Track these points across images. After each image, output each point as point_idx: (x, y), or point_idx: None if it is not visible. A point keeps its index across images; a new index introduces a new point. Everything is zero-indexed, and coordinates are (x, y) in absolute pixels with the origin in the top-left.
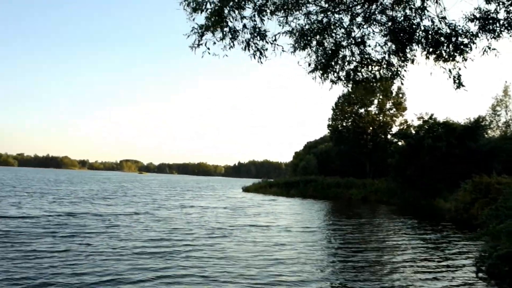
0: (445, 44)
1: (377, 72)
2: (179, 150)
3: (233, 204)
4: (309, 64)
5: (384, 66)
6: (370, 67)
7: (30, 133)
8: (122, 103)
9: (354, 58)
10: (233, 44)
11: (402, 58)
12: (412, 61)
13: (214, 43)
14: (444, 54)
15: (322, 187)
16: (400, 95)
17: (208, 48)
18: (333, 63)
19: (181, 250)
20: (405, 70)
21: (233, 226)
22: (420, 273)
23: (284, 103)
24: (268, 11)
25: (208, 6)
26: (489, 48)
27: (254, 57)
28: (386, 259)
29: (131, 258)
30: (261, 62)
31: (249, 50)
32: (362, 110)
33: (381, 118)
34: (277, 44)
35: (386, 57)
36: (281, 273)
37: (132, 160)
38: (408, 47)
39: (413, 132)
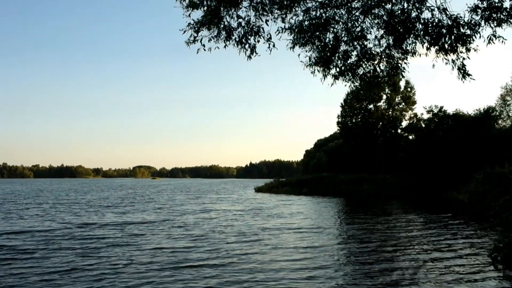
0: (447, 36)
1: (377, 66)
2: (190, 154)
3: (252, 206)
4: (310, 59)
5: (385, 59)
6: (370, 61)
7: (44, 144)
8: (132, 110)
9: (354, 53)
10: (228, 42)
11: (402, 51)
12: (413, 54)
13: (210, 40)
14: (446, 46)
15: (334, 184)
16: (409, 89)
17: (204, 45)
18: (334, 58)
19: (225, 259)
20: (405, 63)
21: (264, 229)
22: (438, 265)
23: (294, 100)
24: (266, 8)
25: (205, 3)
26: (495, 36)
27: (245, 54)
28: (404, 253)
29: (176, 270)
30: (250, 58)
31: (241, 46)
32: (371, 106)
33: (390, 113)
34: (271, 41)
35: (386, 51)
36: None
37: (144, 166)
38: (406, 40)
39: (423, 125)
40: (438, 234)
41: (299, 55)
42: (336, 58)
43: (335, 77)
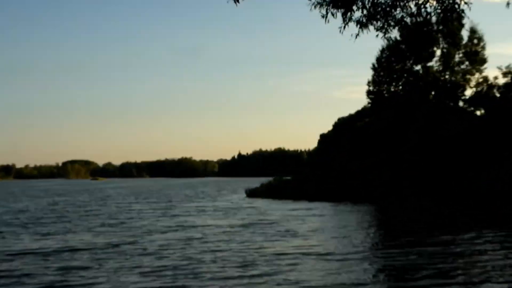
0: None
1: (423, 6)
2: (150, 142)
3: (249, 219)
4: None
5: None
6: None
7: None
8: (51, 74)
9: None
10: None
11: None
12: None
13: None
14: None
15: (365, 185)
16: (475, 41)
17: None
18: None
19: None
20: (466, 2)
21: (276, 256)
22: None
23: (302, 61)
24: None
25: None
26: None
27: None
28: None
29: None
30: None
31: None
32: (418, 67)
33: (447, 76)
34: None
35: None
36: None
37: (80, 161)
38: None
39: (498, 94)
40: None
41: None
42: None
43: (362, 25)
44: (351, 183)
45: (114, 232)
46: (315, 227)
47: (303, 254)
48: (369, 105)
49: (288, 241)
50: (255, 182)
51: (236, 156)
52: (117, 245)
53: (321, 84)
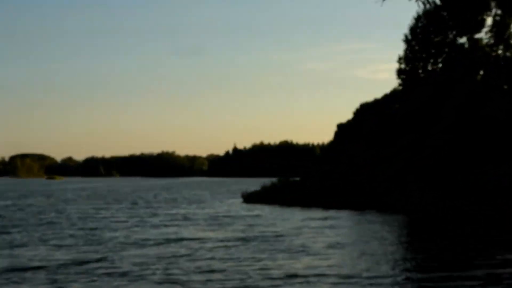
0: None
1: None
2: (120, 133)
3: (250, 232)
4: None
5: None
6: None
7: None
8: None
9: None
10: None
11: None
12: None
13: None
14: None
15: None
16: None
17: None
18: None
19: None
20: None
21: (289, 278)
22: None
23: (314, 39)
24: None
25: None
26: None
27: None
28: None
29: None
30: None
31: None
32: (463, 40)
33: (500, 51)
34: None
35: None
36: None
37: (33, 154)
38: None
39: None
40: None
41: None
42: None
43: None
44: (354, 178)
45: (76, 245)
46: (333, 242)
47: (319, 275)
48: (400, 87)
49: (300, 260)
50: (255, 183)
51: (230, 151)
52: (80, 263)
53: (339, 61)
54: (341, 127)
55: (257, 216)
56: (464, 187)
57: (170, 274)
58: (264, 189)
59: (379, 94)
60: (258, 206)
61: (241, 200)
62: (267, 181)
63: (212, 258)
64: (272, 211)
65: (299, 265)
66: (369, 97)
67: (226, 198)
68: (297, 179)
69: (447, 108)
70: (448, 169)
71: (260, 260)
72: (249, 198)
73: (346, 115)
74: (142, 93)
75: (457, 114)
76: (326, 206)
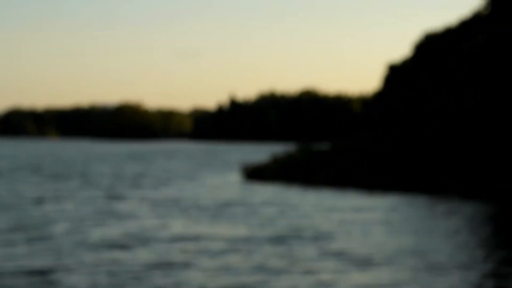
0: None
1: None
2: (61, 76)
3: (256, 223)
4: None
5: None
6: None
7: None
8: None
9: None
10: None
11: None
12: None
13: None
14: None
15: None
16: None
17: None
18: None
19: None
20: None
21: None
22: None
23: None
24: None
25: None
26: None
27: None
28: None
29: None
30: None
31: None
32: None
33: None
34: None
35: None
36: None
37: None
38: None
39: None
40: None
41: None
42: None
43: None
44: (412, 148)
45: (7, 244)
46: (407, 245)
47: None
48: (487, 12)
49: (363, 271)
50: (261, 152)
51: (225, 104)
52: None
53: None
54: (393, 69)
55: (263, 199)
56: None
57: None
58: (275, 161)
59: (452, 20)
60: (269, 188)
61: (240, 177)
62: (279, 149)
63: (217, 270)
64: (285, 193)
65: (362, 277)
66: (437, 25)
67: (221, 173)
68: (327, 146)
69: None
70: None
71: (312, 272)
72: (253, 174)
73: (401, 50)
74: (94, 15)
75: None
76: (369, 187)
